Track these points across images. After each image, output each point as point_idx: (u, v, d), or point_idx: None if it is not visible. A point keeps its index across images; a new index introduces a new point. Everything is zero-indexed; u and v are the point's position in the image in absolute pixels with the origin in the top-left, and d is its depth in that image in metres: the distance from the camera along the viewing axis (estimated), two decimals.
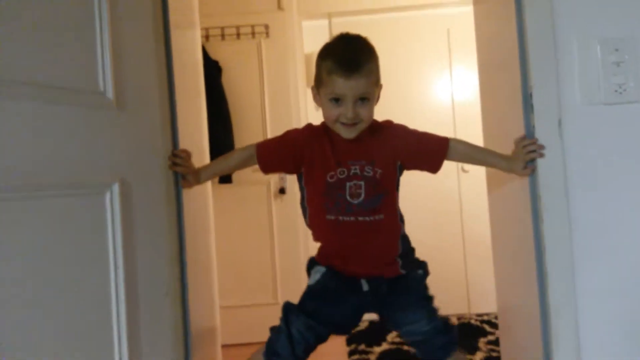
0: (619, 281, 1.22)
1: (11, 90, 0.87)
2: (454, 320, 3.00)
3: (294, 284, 2.93)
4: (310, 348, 1.27)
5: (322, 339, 1.28)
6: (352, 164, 1.25)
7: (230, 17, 3.05)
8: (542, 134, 1.23)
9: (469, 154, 1.34)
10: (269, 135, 3.01)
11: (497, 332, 2.52)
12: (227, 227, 2.86)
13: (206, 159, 1.77)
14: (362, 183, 1.24)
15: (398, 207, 1.33)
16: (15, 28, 0.89)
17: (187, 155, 1.26)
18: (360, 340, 2.86)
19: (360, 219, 1.24)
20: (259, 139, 3.01)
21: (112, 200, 1.04)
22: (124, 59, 1.10)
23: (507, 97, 1.40)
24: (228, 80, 3.05)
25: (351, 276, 1.28)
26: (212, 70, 2.85)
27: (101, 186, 1.03)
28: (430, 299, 1.34)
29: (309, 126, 1.34)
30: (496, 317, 2.77)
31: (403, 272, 1.31)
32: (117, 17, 1.08)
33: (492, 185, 1.67)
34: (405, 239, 1.34)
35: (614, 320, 1.22)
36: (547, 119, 1.23)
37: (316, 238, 1.33)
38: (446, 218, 3.29)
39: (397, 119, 1.34)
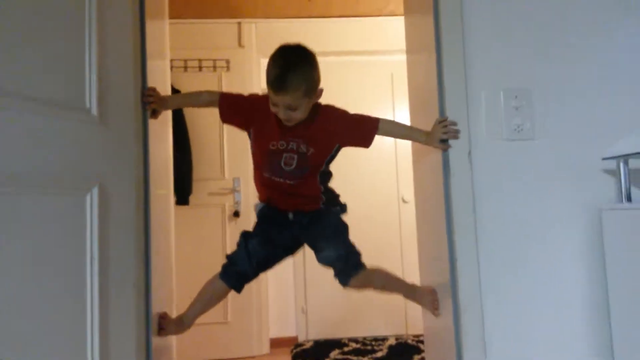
0: (509, 274, 1.49)
1: (17, 105, 1.05)
2: (392, 340, 3.22)
3: (245, 304, 3.07)
4: (261, 264, 1.57)
5: (270, 258, 1.60)
6: (292, 140, 1.54)
7: (193, 51, 3.28)
8: (455, 163, 1.50)
9: (395, 130, 1.67)
10: (227, 165, 3.22)
11: None
12: (181, 247, 2.98)
13: (170, 182, 1.96)
14: (296, 156, 1.54)
15: (319, 178, 1.62)
16: (30, 58, 1.08)
17: (156, 91, 1.51)
18: (306, 356, 3.02)
19: (288, 181, 1.57)
20: (217, 167, 3.24)
21: (91, 201, 1.21)
22: (108, 82, 1.29)
23: None
24: (189, 110, 3.24)
25: (281, 210, 1.63)
26: None
27: (84, 189, 1.21)
28: (343, 232, 1.63)
29: (268, 97, 1.49)
30: None
31: (322, 207, 1.63)
32: (103, 46, 1.29)
33: (418, 204, 1.93)
34: (329, 191, 1.66)
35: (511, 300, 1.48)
36: (459, 150, 1.51)
37: (256, 185, 1.67)
38: (387, 246, 3.54)
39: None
